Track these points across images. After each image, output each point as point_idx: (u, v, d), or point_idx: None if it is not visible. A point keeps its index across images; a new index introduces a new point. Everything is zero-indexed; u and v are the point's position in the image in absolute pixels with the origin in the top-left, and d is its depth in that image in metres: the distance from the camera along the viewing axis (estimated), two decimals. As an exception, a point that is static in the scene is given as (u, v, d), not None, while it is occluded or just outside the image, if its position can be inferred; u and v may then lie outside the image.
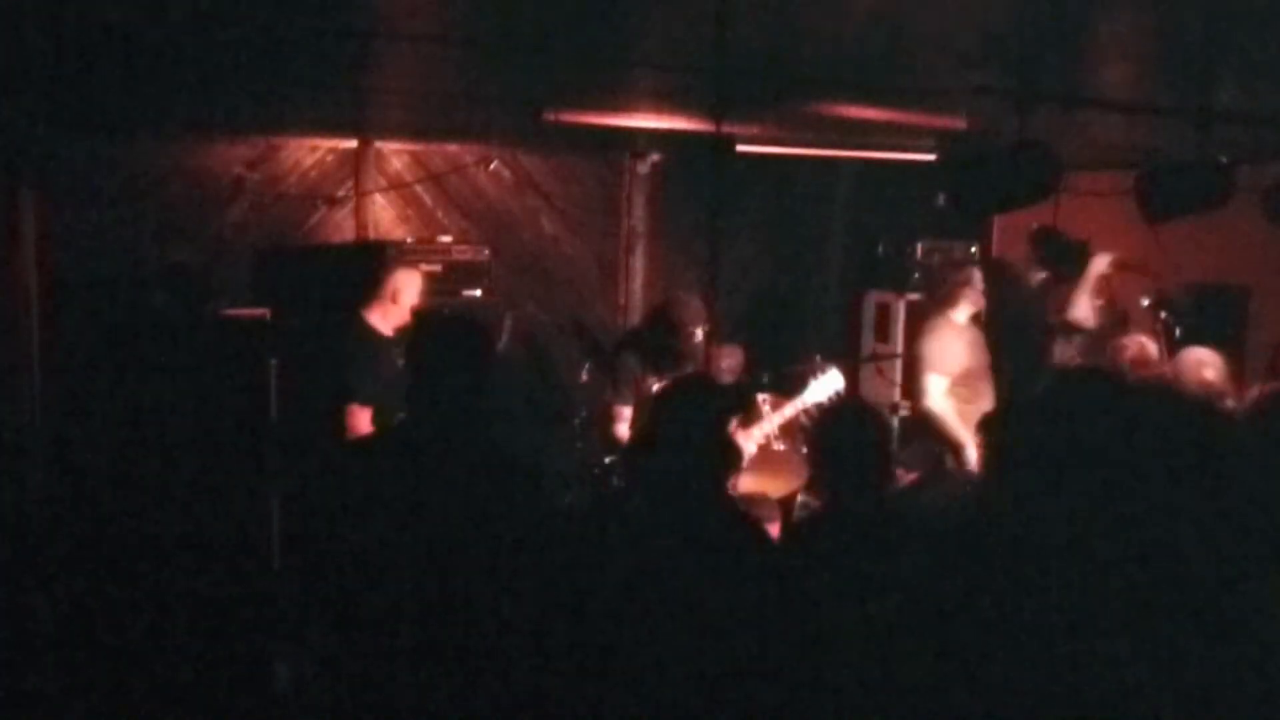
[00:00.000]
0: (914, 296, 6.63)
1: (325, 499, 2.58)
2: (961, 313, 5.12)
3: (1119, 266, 5.50)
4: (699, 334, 4.86)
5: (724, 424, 2.74)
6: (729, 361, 5.75)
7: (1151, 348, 4.51)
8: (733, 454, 2.80)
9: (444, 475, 2.50)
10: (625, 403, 4.92)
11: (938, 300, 5.24)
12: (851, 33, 2.84)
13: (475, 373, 2.59)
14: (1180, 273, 5.39)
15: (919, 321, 5.32)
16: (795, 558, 2.89)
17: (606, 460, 4.97)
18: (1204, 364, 4.32)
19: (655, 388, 4.83)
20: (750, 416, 5.12)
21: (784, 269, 7.24)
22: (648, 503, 2.69)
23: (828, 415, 3.65)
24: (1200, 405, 2.66)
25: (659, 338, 4.94)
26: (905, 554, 2.70)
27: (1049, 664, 2.27)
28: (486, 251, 5.73)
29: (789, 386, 5.29)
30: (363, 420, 4.46)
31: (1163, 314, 5.20)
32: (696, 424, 2.67)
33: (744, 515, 2.85)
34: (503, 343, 5.24)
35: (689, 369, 4.84)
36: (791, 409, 5.06)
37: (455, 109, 4.67)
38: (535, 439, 5.97)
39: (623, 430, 4.91)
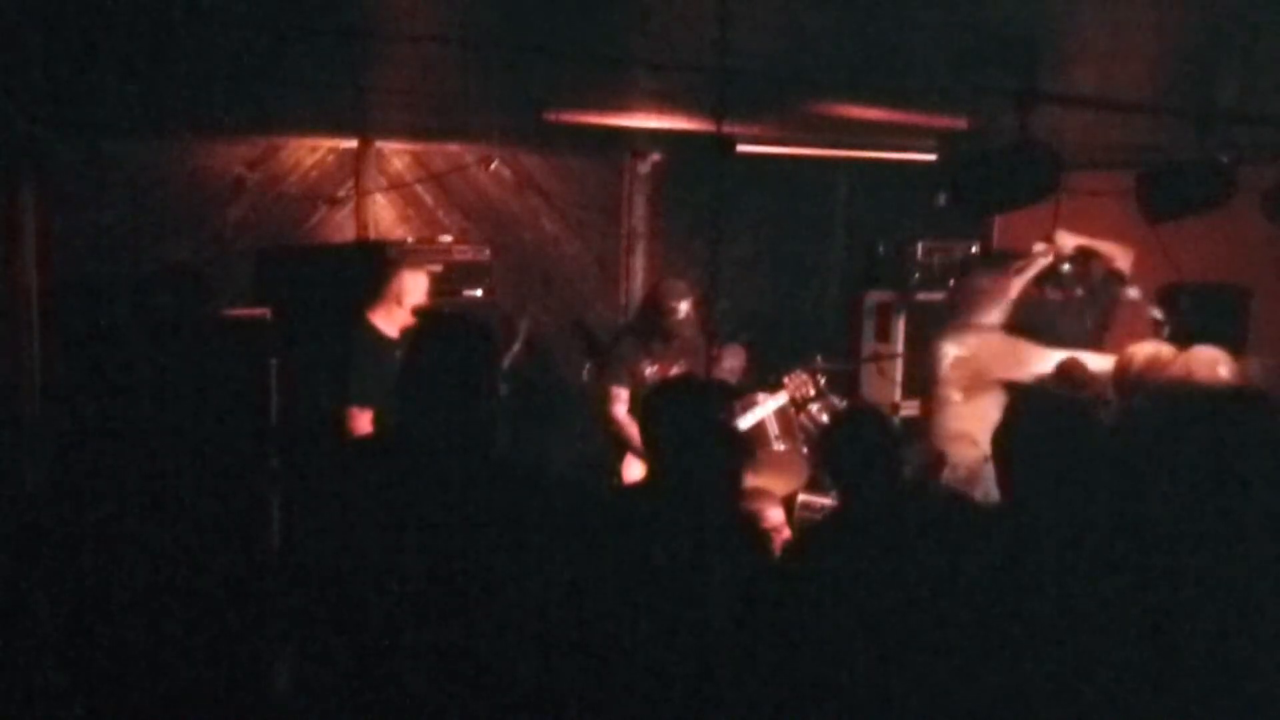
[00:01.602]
0: (915, 296, 6.62)
1: (324, 499, 2.58)
2: (998, 317, 5.07)
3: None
4: (683, 309, 5.04)
5: (710, 420, 2.76)
6: (732, 362, 5.77)
7: (1166, 350, 4.43)
8: (737, 448, 2.84)
9: (441, 477, 2.50)
10: (621, 384, 5.11)
11: (972, 307, 5.15)
12: (851, 33, 2.84)
13: (475, 374, 2.58)
14: (1180, 273, 5.38)
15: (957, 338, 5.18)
16: (804, 559, 2.90)
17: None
18: (1219, 362, 4.29)
19: (647, 372, 5.08)
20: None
21: (784, 269, 7.24)
22: (647, 503, 2.70)
23: (837, 418, 3.69)
24: (1215, 401, 2.64)
25: (647, 318, 5.16)
26: (914, 554, 2.71)
27: (1054, 665, 2.27)
28: (487, 251, 5.74)
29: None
30: (363, 422, 4.47)
31: (1155, 313, 5.18)
32: (684, 423, 2.70)
33: (746, 515, 2.87)
34: (517, 346, 5.25)
35: (676, 345, 5.11)
36: (763, 411, 5.14)
37: (455, 109, 4.67)
38: (535, 439, 5.97)
39: (620, 410, 5.08)
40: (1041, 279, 5.44)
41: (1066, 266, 5.41)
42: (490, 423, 2.61)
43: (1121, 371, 4.35)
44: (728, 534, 2.70)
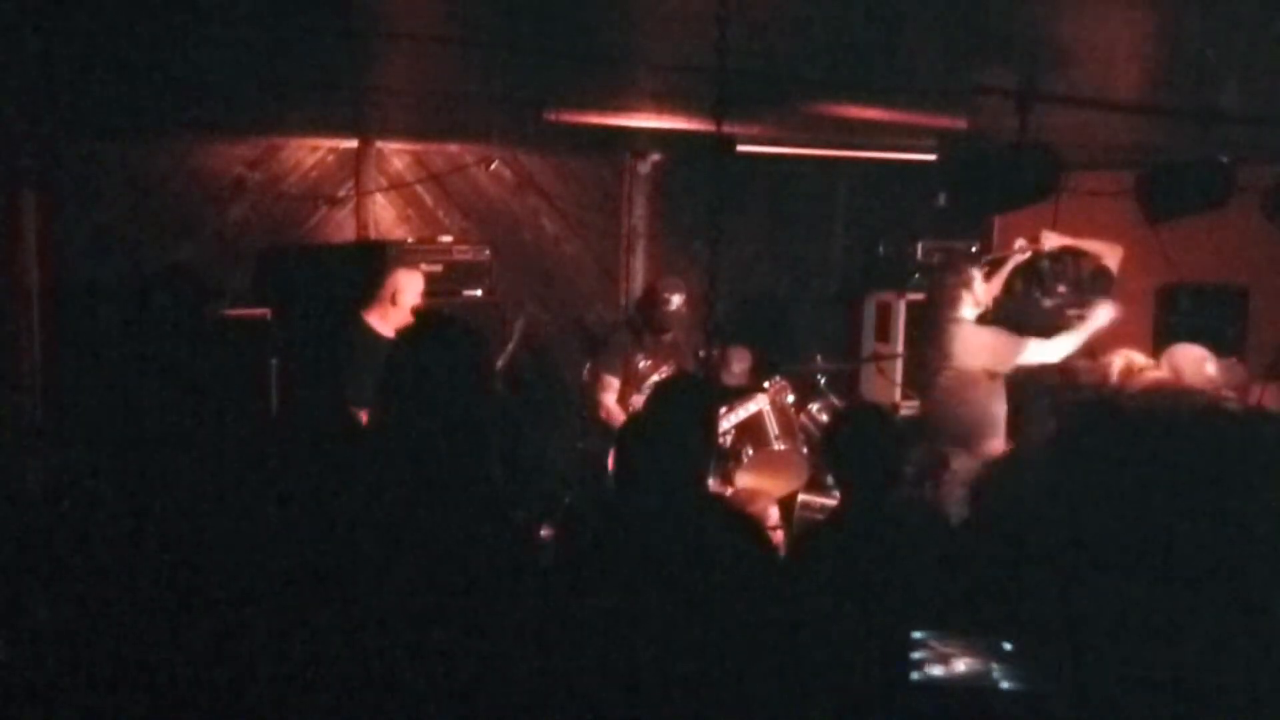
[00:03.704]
0: (914, 296, 6.62)
1: (319, 497, 2.58)
2: (968, 311, 5.07)
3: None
4: (675, 301, 5.24)
5: (705, 418, 2.78)
6: (740, 365, 5.79)
7: (1137, 356, 4.46)
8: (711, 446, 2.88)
9: (429, 477, 2.48)
10: (613, 373, 5.28)
11: (940, 301, 5.16)
12: (851, 33, 2.85)
13: (462, 376, 2.54)
14: (1180, 273, 5.38)
15: (935, 323, 5.18)
16: (804, 556, 2.90)
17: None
18: (1205, 359, 4.31)
19: (641, 365, 5.24)
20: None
21: (784, 269, 7.25)
22: (641, 498, 2.70)
23: (840, 415, 3.70)
24: (1200, 405, 2.66)
25: (642, 310, 5.42)
26: (915, 553, 2.72)
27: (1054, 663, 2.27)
28: (487, 251, 5.73)
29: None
30: None
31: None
32: (682, 420, 2.70)
33: (737, 510, 2.87)
34: (513, 346, 5.27)
35: (668, 339, 5.32)
36: (740, 415, 5.18)
37: (456, 109, 4.67)
38: (535, 439, 5.97)
39: (609, 398, 5.24)
40: (1022, 276, 5.43)
41: (1046, 264, 5.40)
42: (482, 424, 2.60)
43: (1101, 378, 4.37)
44: (727, 531, 2.70)
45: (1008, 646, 2.30)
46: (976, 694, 2.27)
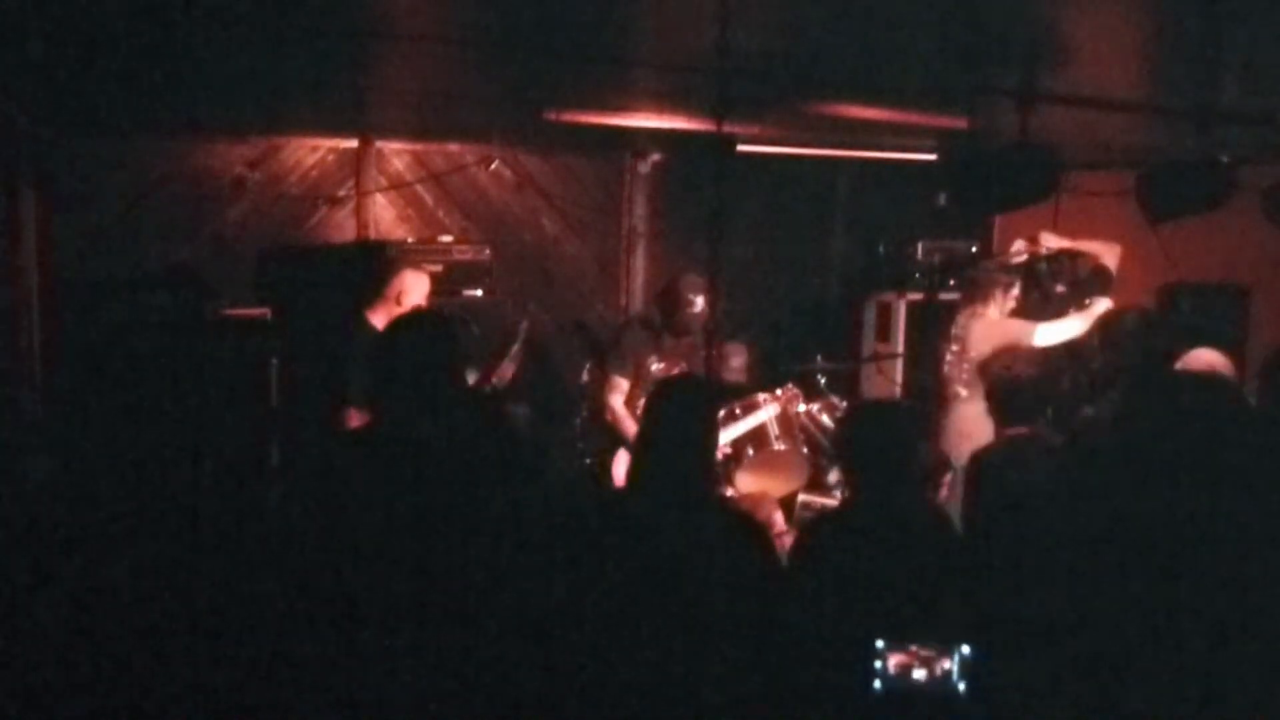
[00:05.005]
0: (915, 296, 6.62)
1: (315, 497, 2.58)
2: (994, 311, 5.05)
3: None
4: (698, 304, 5.02)
5: (709, 419, 2.77)
6: (737, 360, 5.77)
7: (1221, 364, 4.35)
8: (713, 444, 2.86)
9: (419, 472, 2.48)
10: (623, 374, 5.07)
11: (974, 299, 5.14)
12: (851, 33, 2.85)
13: (434, 370, 2.55)
14: (1180, 273, 5.38)
15: (955, 320, 5.14)
16: (807, 552, 2.89)
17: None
18: (1215, 366, 4.28)
19: (653, 367, 5.05)
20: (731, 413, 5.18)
21: (784, 269, 7.24)
22: (644, 500, 2.69)
23: (856, 411, 3.69)
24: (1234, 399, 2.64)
25: (663, 310, 5.15)
26: (917, 552, 2.71)
27: (1058, 662, 2.28)
28: (487, 251, 5.73)
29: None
30: (358, 423, 4.45)
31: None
32: (686, 421, 2.69)
33: (742, 514, 2.86)
34: (517, 347, 5.24)
35: (685, 341, 5.10)
36: (751, 422, 5.11)
37: (456, 109, 4.67)
38: (535, 439, 5.97)
39: (617, 400, 5.06)
40: (1020, 278, 5.42)
41: (1044, 265, 5.39)
42: (463, 418, 2.60)
43: (1106, 327, 4.29)
44: (728, 532, 2.70)
45: (966, 651, 2.31)
46: (938, 700, 2.29)
